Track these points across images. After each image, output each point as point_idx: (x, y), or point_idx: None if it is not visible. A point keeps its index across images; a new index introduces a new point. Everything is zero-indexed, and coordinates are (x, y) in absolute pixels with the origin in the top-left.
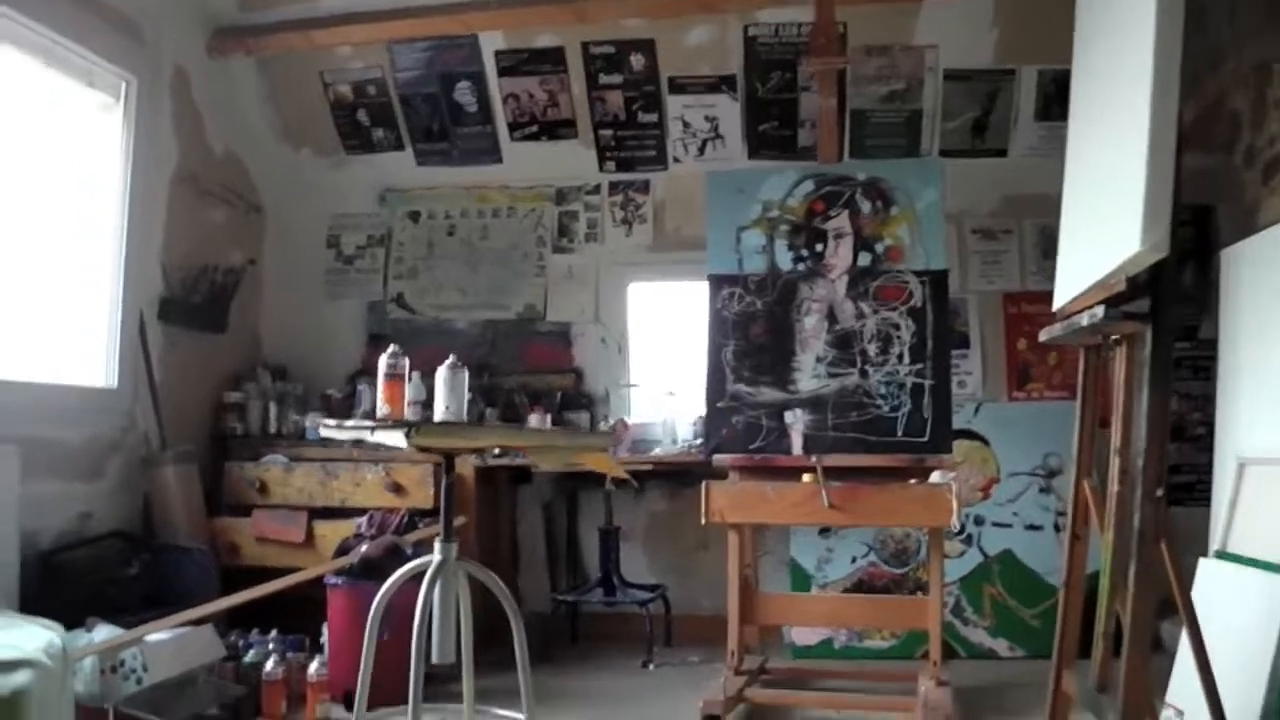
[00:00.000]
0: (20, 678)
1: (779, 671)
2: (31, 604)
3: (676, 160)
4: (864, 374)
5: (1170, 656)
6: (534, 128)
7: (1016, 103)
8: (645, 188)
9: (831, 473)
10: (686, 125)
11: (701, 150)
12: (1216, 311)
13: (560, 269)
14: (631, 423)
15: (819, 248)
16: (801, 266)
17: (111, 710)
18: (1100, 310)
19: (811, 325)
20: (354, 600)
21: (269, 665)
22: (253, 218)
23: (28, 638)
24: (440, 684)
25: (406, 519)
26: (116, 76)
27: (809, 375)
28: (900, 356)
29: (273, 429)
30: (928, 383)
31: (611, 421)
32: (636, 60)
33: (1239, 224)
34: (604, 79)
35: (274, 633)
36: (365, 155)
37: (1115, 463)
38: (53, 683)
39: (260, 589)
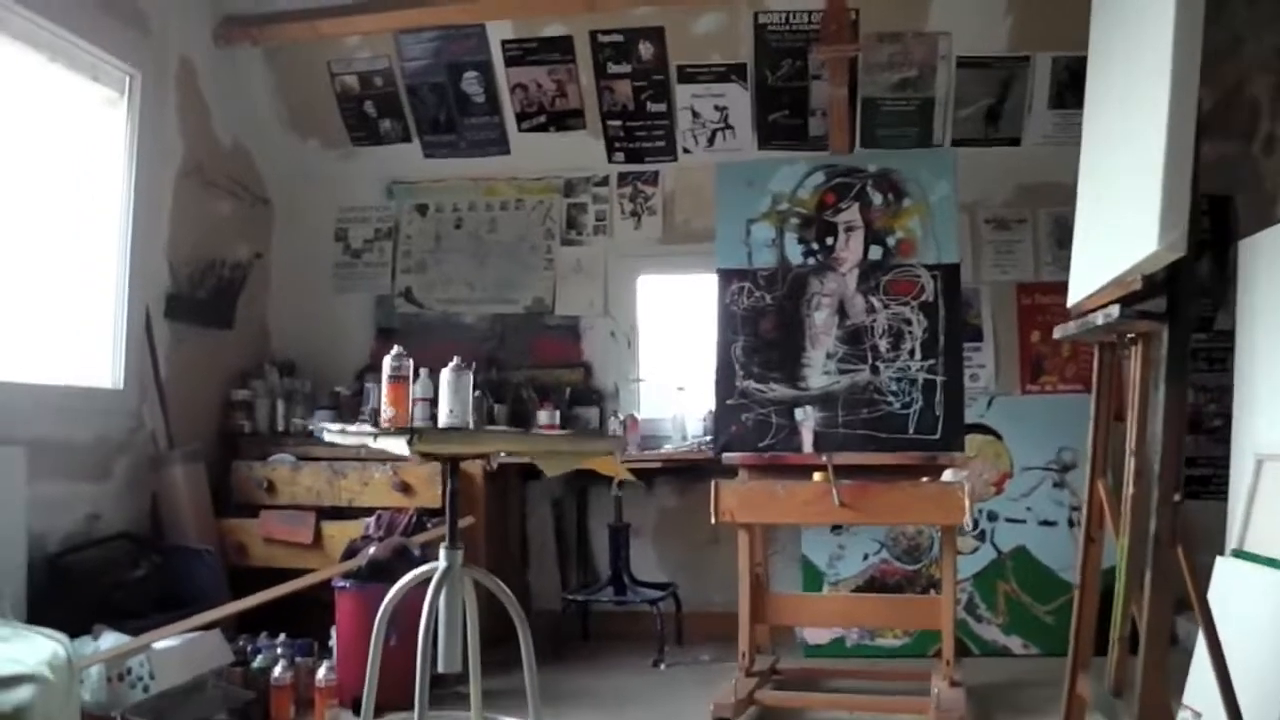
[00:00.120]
0: (22, 693)
1: (790, 672)
2: (39, 607)
3: (686, 151)
4: (875, 370)
5: (1187, 653)
6: (542, 118)
7: (1030, 90)
8: (654, 179)
9: (842, 471)
10: (696, 115)
11: (711, 140)
12: (1233, 304)
13: (569, 262)
14: (641, 418)
15: (829, 241)
16: (812, 260)
17: (119, 718)
18: (1115, 310)
19: (822, 320)
20: (362, 603)
21: (277, 670)
22: (259, 211)
23: (31, 651)
24: (449, 686)
25: (415, 519)
26: (121, 71)
27: (819, 372)
28: (912, 352)
29: (281, 427)
30: (940, 379)
31: (621, 417)
32: (645, 49)
33: (1258, 214)
34: (613, 68)
35: (282, 636)
36: (372, 147)
37: (1130, 464)
38: (56, 696)
39: (267, 593)
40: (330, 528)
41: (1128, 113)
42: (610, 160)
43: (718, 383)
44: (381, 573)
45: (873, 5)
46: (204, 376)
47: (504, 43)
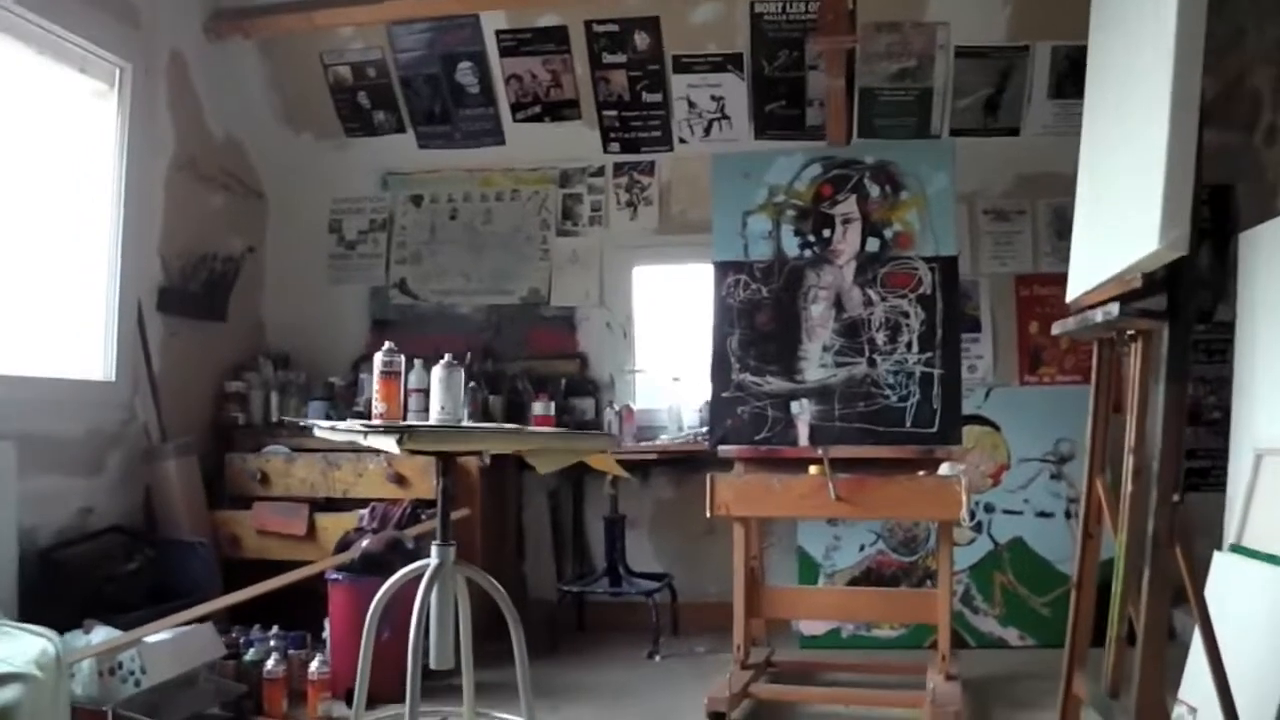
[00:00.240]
0: (9, 693)
1: (785, 664)
2: (31, 602)
3: (682, 141)
4: (872, 363)
5: (1184, 646)
6: (537, 109)
7: (1030, 80)
8: (650, 169)
9: (839, 464)
10: (692, 105)
11: (707, 130)
12: (1233, 296)
13: (564, 252)
14: (637, 409)
15: (826, 233)
16: (808, 253)
17: (110, 713)
18: (1115, 307)
19: (818, 313)
20: (355, 596)
21: (269, 663)
22: (253, 203)
23: (19, 650)
24: (442, 679)
25: (409, 511)
26: (110, 63)
27: (816, 364)
28: (909, 345)
29: (275, 419)
30: (937, 372)
31: (617, 408)
32: (640, 39)
33: (1259, 205)
34: (608, 58)
35: (275, 629)
36: (366, 138)
37: (1129, 462)
38: (44, 695)
39: (260, 586)
40: (324, 519)
41: (1129, 109)
42: (606, 150)
43: (713, 375)
44: (375, 565)
45: None
46: (197, 369)
47: (498, 33)
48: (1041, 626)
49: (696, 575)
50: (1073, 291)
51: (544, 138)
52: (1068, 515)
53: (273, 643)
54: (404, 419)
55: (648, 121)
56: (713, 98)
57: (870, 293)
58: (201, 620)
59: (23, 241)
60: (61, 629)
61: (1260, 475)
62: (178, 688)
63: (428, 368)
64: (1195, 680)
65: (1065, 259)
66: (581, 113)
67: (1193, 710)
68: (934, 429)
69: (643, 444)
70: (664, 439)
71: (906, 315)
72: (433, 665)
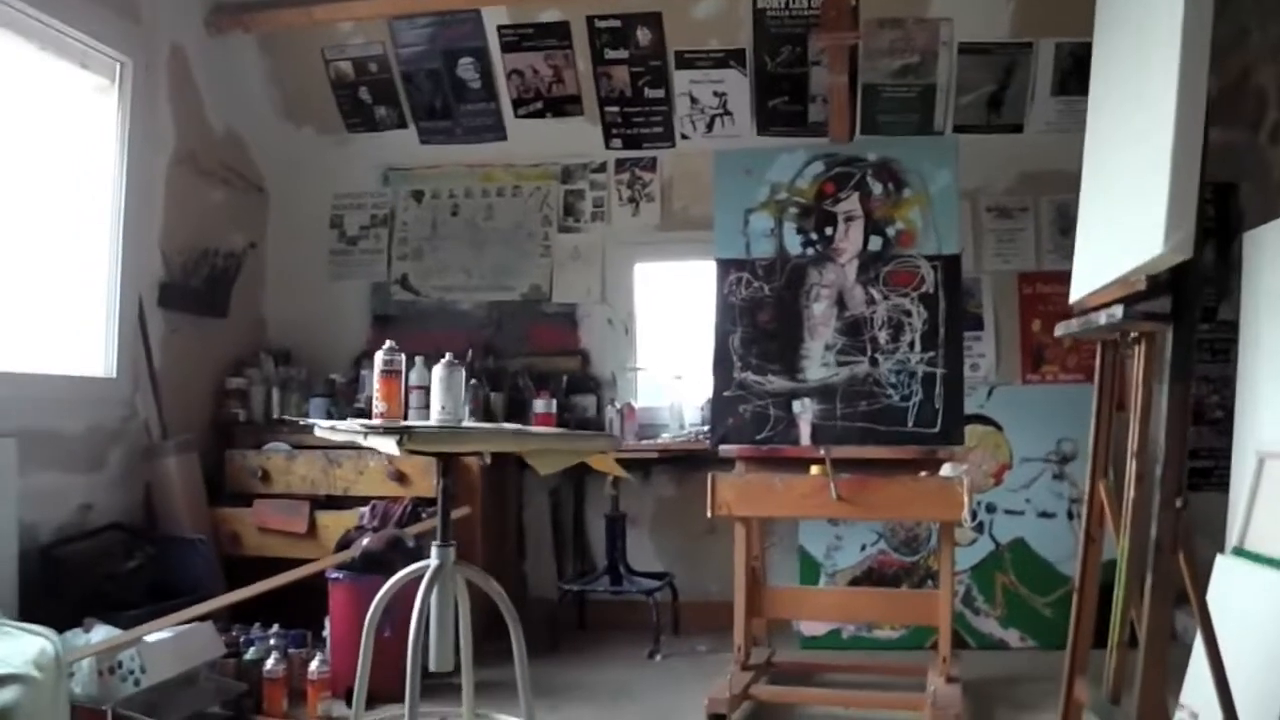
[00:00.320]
0: (8, 695)
1: (786, 665)
2: (31, 599)
3: (684, 137)
4: (874, 362)
5: (1186, 648)
6: (539, 104)
7: (1033, 77)
8: (652, 165)
9: (840, 464)
10: (694, 101)
11: (710, 127)
12: (1237, 295)
13: (566, 249)
14: (638, 407)
15: (829, 231)
16: (810, 251)
17: (110, 712)
18: (1119, 310)
19: (820, 312)
20: (356, 595)
21: (269, 662)
22: (254, 198)
23: (17, 650)
24: (442, 679)
25: (410, 509)
26: (111, 58)
27: (818, 363)
28: (911, 344)
29: (276, 415)
30: (939, 371)
31: (618, 406)
32: (643, 34)
33: (1263, 204)
34: (610, 54)
35: (275, 627)
36: (368, 134)
37: (1132, 465)
38: (44, 695)
39: (260, 585)
40: (325, 517)
41: (1133, 108)
42: (608, 146)
43: (715, 374)
44: (375, 564)
45: None
46: (198, 365)
47: (500, 28)
48: (1043, 628)
49: (698, 574)
50: (1076, 292)
51: (546, 133)
52: (1070, 515)
53: (273, 641)
54: (405, 416)
55: (650, 117)
56: (715, 93)
57: (872, 291)
58: (202, 619)
59: (23, 237)
60: (61, 627)
61: (1263, 478)
62: (178, 687)
63: (429, 365)
64: (1197, 684)
65: (1068, 257)
66: (583, 108)
67: (1194, 715)
68: (936, 429)
69: (644, 442)
70: (665, 437)
71: (909, 314)
72: (432, 667)
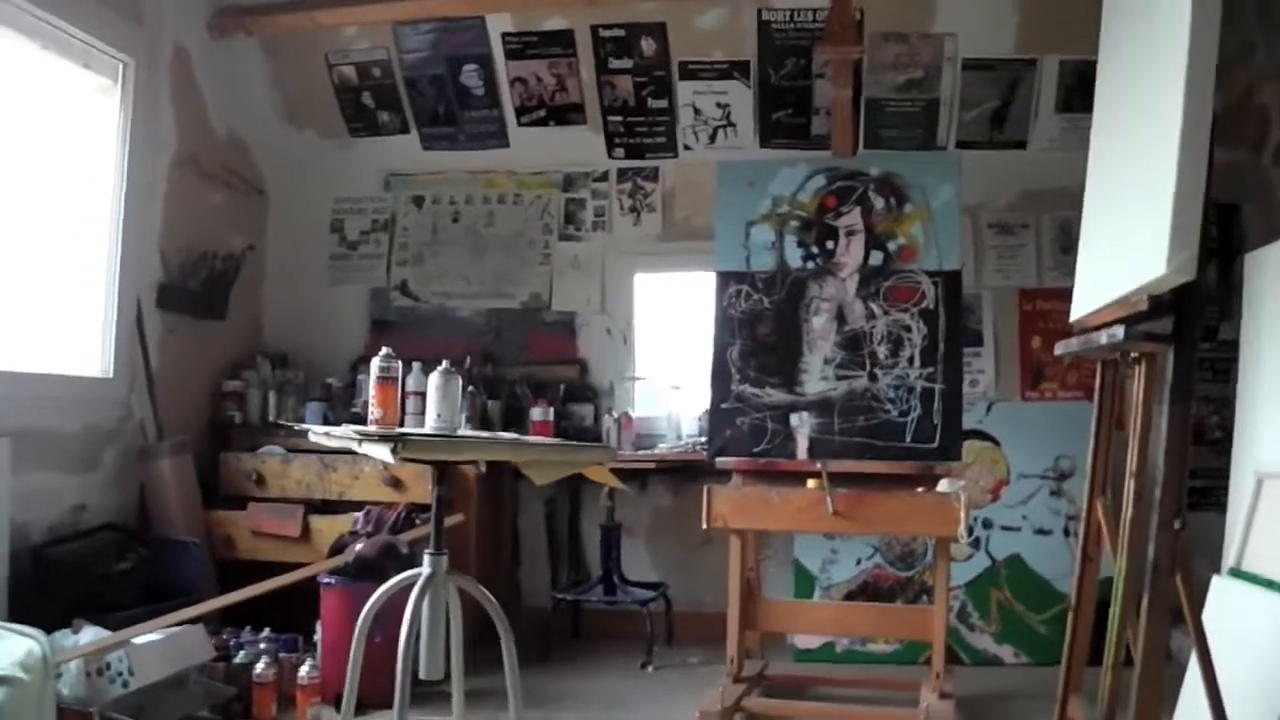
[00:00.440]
0: None
1: (779, 678)
2: (22, 599)
3: (687, 148)
4: (873, 377)
5: (1180, 667)
6: (542, 112)
7: (1037, 94)
8: (654, 175)
9: (837, 478)
10: (698, 112)
11: (713, 138)
12: (1238, 316)
13: (566, 257)
14: (636, 416)
15: (829, 245)
16: (811, 264)
17: (97, 714)
18: (1120, 330)
19: (820, 325)
20: (348, 600)
21: (259, 667)
22: (254, 201)
23: (4, 651)
24: (433, 686)
25: (404, 515)
26: (114, 59)
27: (816, 377)
28: (911, 359)
29: (272, 418)
30: (938, 387)
31: (616, 415)
32: (647, 45)
33: (1266, 224)
34: (614, 63)
35: (266, 631)
36: (370, 138)
37: (1130, 485)
38: (30, 697)
39: (253, 589)
40: (319, 522)
41: (1138, 128)
42: (610, 156)
43: (713, 386)
44: (368, 570)
45: (878, 5)
46: (195, 367)
47: (504, 35)
48: (1038, 644)
49: (692, 585)
50: (1077, 311)
51: (548, 141)
52: (1066, 533)
53: (263, 645)
54: (401, 422)
55: (653, 127)
56: (718, 105)
57: (872, 306)
58: (193, 621)
59: (23, 236)
60: (52, 628)
61: (1261, 499)
62: (166, 690)
63: (426, 371)
64: (1191, 704)
65: (1069, 274)
66: (586, 117)
67: None
68: (934, 444)
69: (641, 452)
70: (662, 447)
71: (908, 329)
72: (422, 675)
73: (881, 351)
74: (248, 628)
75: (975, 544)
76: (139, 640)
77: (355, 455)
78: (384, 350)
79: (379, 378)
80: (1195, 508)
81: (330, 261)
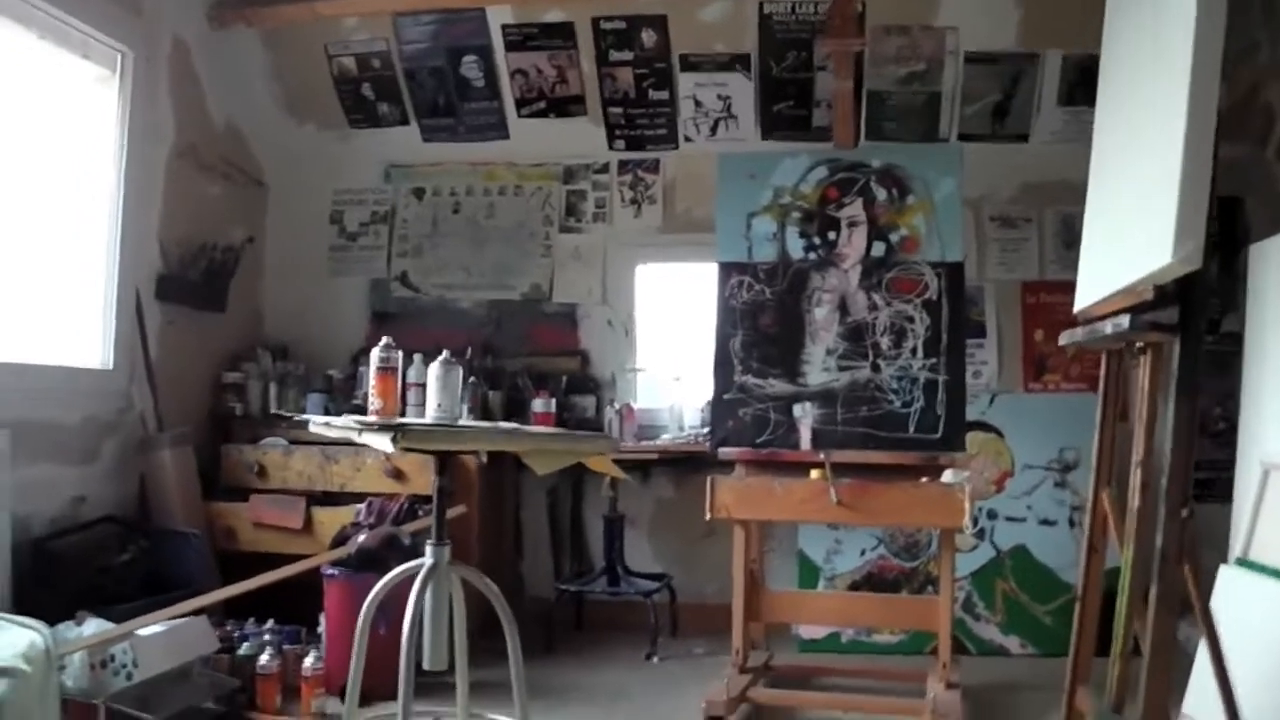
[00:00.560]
0: None
1: (784, 669)
2: (23, 592)
3: (688, 139)
4: (876, 368)
5: (1188, 657)
6: (542, 104)
7: (1039, 87)
8: (655, 167)
9: (840, 469)
10: (699, 104)
11: (714, 130)
12: (1243, 308)
13: (567, 249)
14: (638, 408)
15: (832, 236)
16: (813, 255)
17: (102, 706)
18: (1125, 320)
19: (823, 316)
20: (351, 592)
21: (263, 658)
22: (254, 192)
23: (7, 643)
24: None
25: (406, 506)
26: (112, 49)
27: (819, 368)
28: (914, 350)
29: (273, 410)
30: (941, 378)
31: (618, 407)
32: (648, 36)
33: (1269, 218)
34: (614, 55)
35: (270, 623)
36: (370, 130)
37: (1136, 475)
38: (33, 689)
39: (255, 581)
40: (321, 513)
41: (1142, 120)
42: (611, 148)
43: (716, 377)
44: (371, 562)
45: None
46: (195, 358)
47: (504, 27)
48: (1043, 635)
49: (696, 576)
50: (1081, 301)
51: (549, 133)
52: (1071, 523)
53: (267, 637)
54: (402, 414)
55: (654, 119)
56: (719, 97)
57: (875, 297)
58: (196, 614)
59: (22, 227)
60: (54, 620)
61: (1268, 489)
62: (170, 682)
63: (427, 362)
64: (1199, 694)
65: (1071, 267)
66: (587, 109)
67: None
68: (937, 435)
69: (643, 443)
70: (665, 438)
71: (911, 320)
72: (426, 666)
73: (884, 342)
74: (251, 619)
75: (980, 535)
76: (143, 632)
77: (357, 447)
78: (384, 340)
79: (379, 368)
80: (1198, 499)
81: (330, 253)
